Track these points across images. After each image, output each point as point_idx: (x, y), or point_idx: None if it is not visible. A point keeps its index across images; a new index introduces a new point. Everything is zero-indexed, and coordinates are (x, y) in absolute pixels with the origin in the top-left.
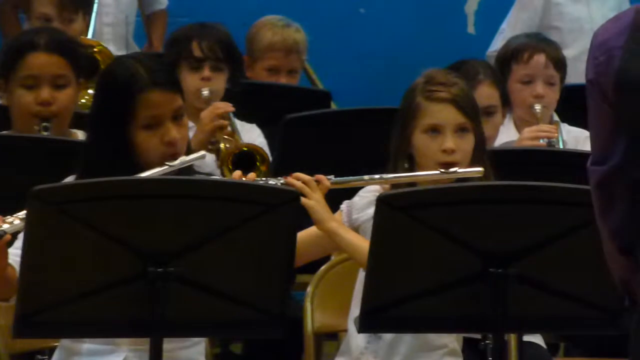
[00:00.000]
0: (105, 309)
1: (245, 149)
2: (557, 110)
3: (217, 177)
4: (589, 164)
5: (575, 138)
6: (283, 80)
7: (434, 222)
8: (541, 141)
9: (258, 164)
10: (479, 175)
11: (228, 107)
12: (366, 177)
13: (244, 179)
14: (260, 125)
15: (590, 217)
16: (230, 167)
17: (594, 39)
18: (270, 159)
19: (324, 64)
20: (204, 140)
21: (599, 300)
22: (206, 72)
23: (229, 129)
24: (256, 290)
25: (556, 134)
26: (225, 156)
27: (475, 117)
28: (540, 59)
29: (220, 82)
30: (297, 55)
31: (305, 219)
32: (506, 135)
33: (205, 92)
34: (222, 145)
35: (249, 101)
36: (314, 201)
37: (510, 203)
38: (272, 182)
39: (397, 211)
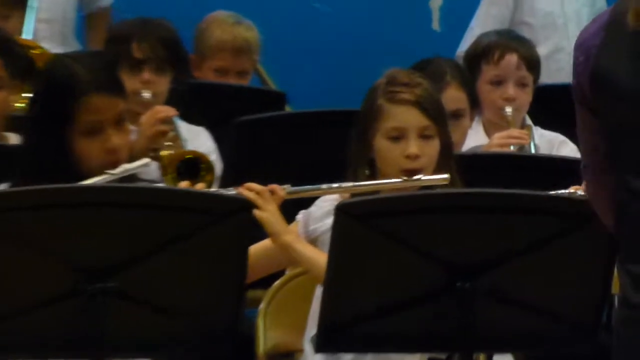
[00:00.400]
0: (41, 328)
1: (188, 156)
2: (529, 112)
3: (163, 185)
4: (582, 166)
5: (549, 142)
6: (232, 81)
7: (397, 232)
8: (512, 148)
9: (203, 172)
10: (445, 182)
11: (170, 111)
12: (324, 186)
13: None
14: (209, 129)
15: (564, 227)
16: (174, 175)
17: (576, 41)
18: (219, 166)
19: (276, 63)
20: (145, 147)
21: (573, 315)
22: (146, 75)
23: (172, 134)
24: (205, 306)
25: (528, 140)
26: (167, 164)
27: (440, 120)
28: (512, 59)
29: (162, 84)
30: (248, 55)
31: (258, 231)
32: (475, 139)
33: (146, 95)
34: (163, 153)
35: (197, 102)
36: (268, 213)
37: (479, 212)
38: (223, 192)
39: (356, 221)
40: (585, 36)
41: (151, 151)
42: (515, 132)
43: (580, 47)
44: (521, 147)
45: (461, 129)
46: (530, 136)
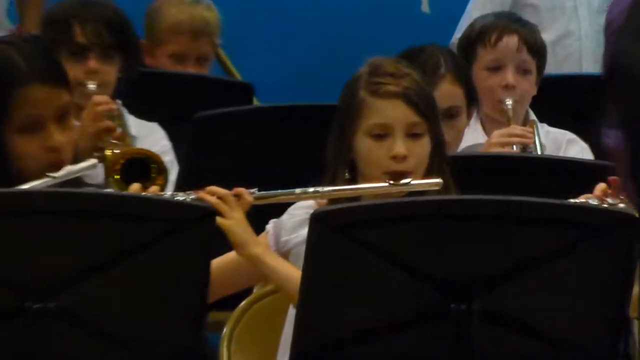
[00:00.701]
0: None
1: (136, 155)
2: (533, 107)
3: (111, 190)
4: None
5: (556, 140)
6: (191, 69)
7: (382, 245)
8: (514, 148)
9: (154, 174)
10: (437, 187)
11: (111, 103)
12: (297, 190)
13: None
14: (163, 125)
15: (574, 240)
16: (118, 177)
17: (606, 17)
18: (175, 167)
19: (241, 50)
20: (88, 146)
21: (585, 342)
22: (92, 64)
23: (119, 131)
24: (159, 330)
25: (532, 138)
26: (111, 165)
27: (431, 115)
28: (511, 40)
29: (110, 73)
30: (208, 38)
31: (222, 242)
32: (471, 138)
33: (92, 86)
34: (108, 152)
35: (150, 94)
36: (233, 221)
37: (476, 221)
38: (180, 197)
39: (335, 231)
40: (612, 15)
41: (96, 151)
42: (517, 129)
43: (609, 27)
44: (524, 147)
45: (457, 129)
46: (535, 134)
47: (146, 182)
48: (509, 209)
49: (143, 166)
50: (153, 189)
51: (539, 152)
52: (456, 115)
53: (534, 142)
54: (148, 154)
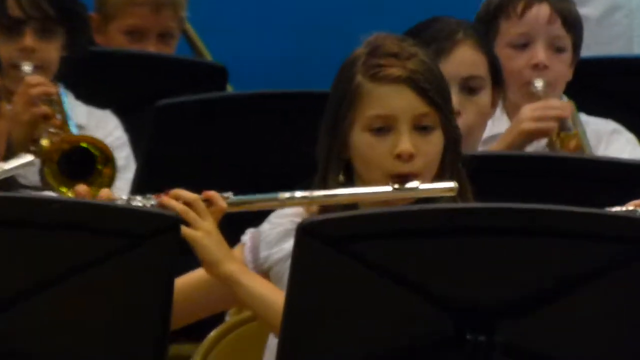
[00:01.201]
0: None
1: (76, 144)
2: (568, 94)
3: (51, 193)
4: None
5: (596, 133)
6: (152, 48)
7: (383, 262)
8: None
9: (99, 166)
10: (451, 193)
11: (47, 85)
12: (282, 195)
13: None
14: (119, 113)
15: (617, 258)
16: (56, 170)
17: None
18: (132, 165)
19: (213, 27)
20: (22, 139)
21: None
22: (28, 40)
23: (58, 118)
24: None
25: (569, 113)
26: (48, 158)
27: (443, 104)
28: (541, 11)
29: (50, 51)
30: (173, 11)
31: (188, 256)
32: (492, 127)
33: (27, 68)
34: (44, 142)
35: (102, 77)
36: (202, 232)
37: (498, 235)
38: (138, 202)
39: (327, 245)
40: None
41: (31, 143)
42: (554, 102)
43: None
44: (565, 123)
45: (478, 108)
46: (575, 113)
47: (91, 176)
48: (538, 220)
49: (86, 157)
50: (104, 193)
51: (580, 131)
52: (477, 89)
53: (575, 119)
54: (91, 140)
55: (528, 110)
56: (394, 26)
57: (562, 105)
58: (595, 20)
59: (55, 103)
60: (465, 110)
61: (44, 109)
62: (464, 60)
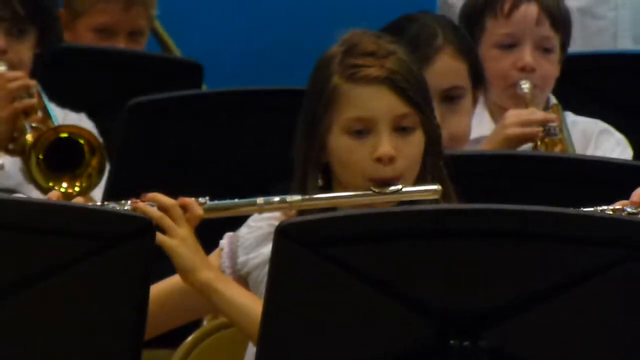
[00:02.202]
0: None
1: (63, 134)
2: (554, 92)
3: (22, 195)
4: None
5: (584, 133)
6: (122, 45)
7: (364, 266)
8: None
9: (87, 156)
10: (435, 196)
11: (28, 81)
12: (259, 200)
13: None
14: (90, 114)
15: (606, 260)
16: (40, 162)
17: None
18: (105, 167)
19: (183, 24)
20: (1, 136)
21: None
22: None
23: (39, 114)
24: None
25: (557, 119)
26: (32, 151)
27: (423, 104)
28: (529, 10)
29: (22, 51)
30: (143, 9)
31: (163, 262)
32: (477, 129)
33: (1, 68)
34: (29, 138)
35: (73, 76)
36: (178, 240)
37: (482, 238)
38: (112, 207)
39: (306, 249)
40: None
41: (9, 142)
42: (538, 113)
43: None
44: (549, 129)
45: (460, 115)
46: (562, 118)
47: (78, 168)
48: (525, 222)
49: (71, 148)
50: (78, 199)
51: (565, 136)
52: (459, 97)
53: (561, 125)
54: (77, 130)
55: (512, 115)
56: (371, 20)
57: (546, 118)
58: (578, 13)
59: (35, 98)
60: (447, 120)
61: (26, 102)
62: (444, 70)
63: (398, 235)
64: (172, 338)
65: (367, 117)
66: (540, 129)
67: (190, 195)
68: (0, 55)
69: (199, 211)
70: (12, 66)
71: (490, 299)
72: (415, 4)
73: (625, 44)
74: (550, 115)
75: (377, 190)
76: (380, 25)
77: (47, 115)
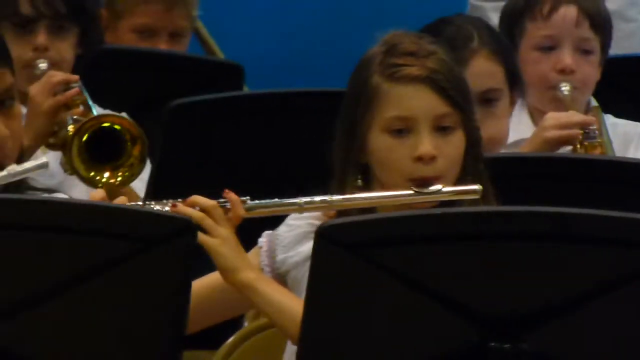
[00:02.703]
0: None
1: (103, 124)
2: (595, 95)
3: (64, 195)
4: None
5: (625, 135)
6: (163, 47)
7: (405, 268)
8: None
9: (128, 145)
10: (475, 196)
11: (70, 76)
12: (300, 199)
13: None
14: (132, 113)
15: None
16: (82, 152)
17: None
18: (147, 167)
19: (224, 25)
20: (42, 129)
21: None
22: (41, 39)
23: (81, 108)
24: None
25: (597, 122)
26: (72, 141)
27: (464, 103)
28: (568, 12)
29: (64, 49)
30: (185, 9)
31: (204, 261)
32: (516, 132)
33: (43, 65)
34: (70, 129)
35: (113, 76)
36: (220, 240)
37: (525, 241)
38: (153, 207)
39: (347, 251)
40: None
41: (50, 136)
42: (577, 116)
43: None
44: (589, 132)
45: (497, 118)
46: (601, 121)
47: (120, 157)
48: (568, 224)
49: (112, 138)
50: (120, 200)
51: (605, 140)
52: (495, 100)
53: (601, 129)
54: (117, 120)
55: (551, 118)
56: (409, 22)
57: (585, 120)
58: (613, 14)
59: (77, 92)
60: (484, 123)
61: (67, 94)
62: (480, 73)
63: (438, 238)
64: (213, 339)
65: (408, 116)
66: (580, 131)
67: None
68: (41, 53)
69: (241, 211)
70: (53, 64)
71: (531, 302)
72: (446, 6)
73: None
74: (590, 118)
75: (417, 190)
76: (412, 27)
77: (88, 109)
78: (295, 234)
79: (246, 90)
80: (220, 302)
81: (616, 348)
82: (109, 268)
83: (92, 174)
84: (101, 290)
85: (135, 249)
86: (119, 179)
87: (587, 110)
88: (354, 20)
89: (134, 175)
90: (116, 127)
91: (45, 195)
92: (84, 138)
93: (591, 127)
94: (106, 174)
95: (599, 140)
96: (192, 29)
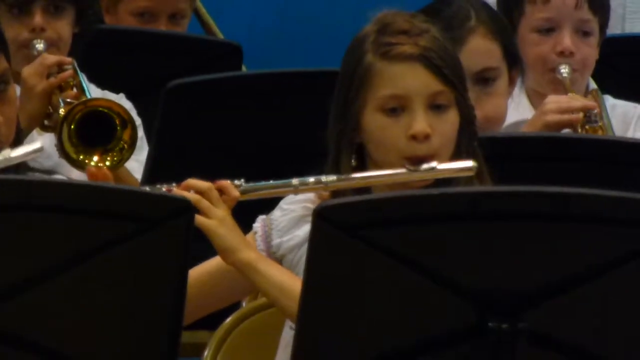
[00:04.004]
0: None
1: (94, 108)
2: (592, 75)
3: (61, 176)
4: None
5: (624, 116)
6: (163, 28)
7: (403, 248)
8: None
9: (118, 130)
10: (470, 173)
11: (64, 58)
12: (295, 180)
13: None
14: (131, 96)
15: None
16: (72, 135)
17: None
18: (145, 150)
19: (222, 6)
20: (35, 112)
21: None
22: (37, 19)
23: (74, 90)
24: (122, 356)
25: (597, 106)
26: (63, 124)
27: (458, 81)
28: None
29: (61, 29)
30: None
31: (203, 244)
32: (515, 113)
33: (40, 46)
34: (61, 112)
35: (111, 57)
36: (217, 220)
37: (523, 220)
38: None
39: (344, 232)
40: None
41: (46, 118)
42: (578, 99)
43: None
44: (590, 116)
45: (495, 98)
46: (601, 104)
47: (110, 142)
48: (567, 204)
49: (103, 122)
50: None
51: (605, 123)
52: (493, 79)
53: (602, 113)
54: (106, 103)
55: (552, 102)
56: (407, 3)
57: (585, 105)
58: None
59: (69, 73)
60: (481, 102)
61: (61, 76)
62: (477, 51)
63: (436, 218)
64: (211, 320)
65: (402, 94)
66: (581, 115)
67: (227, 176)
68: (38, 33)
69: (236, 193)
70: (50, 44)
71: (529, 282)
72: None
73: (635, 27)
74: (591, 103)
75: (412, 169)
76: (411, 8)
77: (81, 91)
78: (290, 218)
79: (244, 70)
80: (218, 288)
81: (615, 327)
82: (107, 249)
83: (81, 157)
84: (100, 271)
85: (134, 229)
86: (108, 163)
87: (586, 92)
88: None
89: (123, 160)
90: (105, 111)
91: (43, 176)
92: (73, 123)
93: (592, 112)
94: (95, 158)
95: (599, 124)
96: (192, 10)
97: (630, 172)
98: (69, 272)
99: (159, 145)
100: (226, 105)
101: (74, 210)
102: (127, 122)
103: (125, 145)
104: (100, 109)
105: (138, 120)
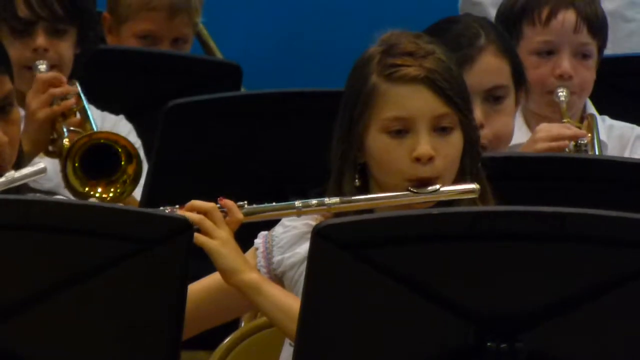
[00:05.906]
0: None
1: (100, 141)
2: (593, 95)
3: (62, 197)
4: None
5: (621, 138)
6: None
7: (402, 268)
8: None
9: (123, 163)
10: (473, 195)
11: (63, 82)
12: (297, 202)
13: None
14: (131, 115)
15: None
16: (77, 167)
17: None
18: (143, 169)
19: (221, 26)
20: (38, 138)
21: None
22: (40, 41)
23: (77, 116)
24: None
25: (588, 135)
26: (68, 156)
27: (462, 104)
28: (567, 18)
29: (63, 50)
30: (188, 17)
31: (202, 262)
32: (516, 141)
33: (42, 66)
34: (66, 142)
35: (111, 77)
36: (219, 241)
37: (522, 240)
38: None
39: (342, 251)
40: None
41: (51, 144)
42: (569, 129)
43: None
44: (580, 144)
45: (503, 116)
46: (594, 130)
47: (114, 174)
48: (564, 224)
49: (109, 155)
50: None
51: (597, 152)
52: (502, 97)
53: (593, 140)
54: (113, 137)
55: (543, 130)
56: (408, 22)
57: (576, 133)
58: (610, 15)
59: (73, 100)
60: (491, 120)
61: (63, 104)
62: (488, 69)
63: (435, 238)
64: (210, 339)
65: (406, 116)
66: (569, 142)
67: (228, 197)
68: (41, 54)
69: (240, 215)
70: (53, 65)
71: (528, 302)
72: (436, 4)
73: None
74: (581, 132)
75: (415, 191)
76: (417, 27)
77: (85, 117)
78: (291, 235)
79: (244, 90)
80: (217, 304)
81: (612, 348)
82: (106, 268)
83: (86, 189)
84: (97, 291)
85: (133, 249)
86: (111, 194)
87: (583, 115)
88: (352, 21)
89: (126, 193)
90: (111, 144)
91: (44, 196)
92: (78, 156)
93: (582, 141)
94: (99, 189)
95: (590, 153)
96: (194, 35)
97: (629, 192)
98: (69, 291)
99: (159, 164)
100: (225, 124)
101: (73, 230)
102: (133, 156)
103: (129, 179)
104: (105, 142)
105: (139, 142)
